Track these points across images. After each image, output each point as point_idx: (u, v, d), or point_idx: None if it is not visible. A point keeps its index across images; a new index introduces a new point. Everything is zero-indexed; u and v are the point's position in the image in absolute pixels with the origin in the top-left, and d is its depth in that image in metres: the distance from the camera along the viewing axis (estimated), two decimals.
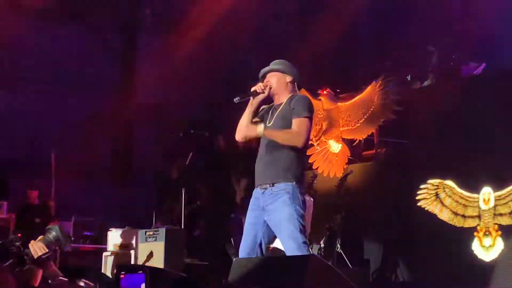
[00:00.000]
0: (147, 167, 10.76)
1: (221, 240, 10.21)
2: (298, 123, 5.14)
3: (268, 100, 5.41)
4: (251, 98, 5.31)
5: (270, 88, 5.28)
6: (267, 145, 5.22)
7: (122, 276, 2.74)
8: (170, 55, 13.12)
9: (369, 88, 9.35)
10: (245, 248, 5.10)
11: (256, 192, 5.20)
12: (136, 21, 13.91)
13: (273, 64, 5.37)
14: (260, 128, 5.26)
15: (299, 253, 4.82)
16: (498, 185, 7.59)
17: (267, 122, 5.29)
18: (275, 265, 4.20)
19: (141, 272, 2.71)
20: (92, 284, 3.36)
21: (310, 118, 5.19)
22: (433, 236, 8.13)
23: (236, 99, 5.29)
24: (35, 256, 3.71)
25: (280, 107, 5.28)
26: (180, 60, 12.93)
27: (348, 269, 8.39)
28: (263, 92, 5.28)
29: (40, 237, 3.81)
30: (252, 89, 5.29)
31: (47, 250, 3.75)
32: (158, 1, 13.94)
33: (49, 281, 3.62)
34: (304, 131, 5.13)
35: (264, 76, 5.37)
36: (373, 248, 9.07)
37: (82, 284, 3.37)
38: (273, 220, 5.05)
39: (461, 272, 7.71)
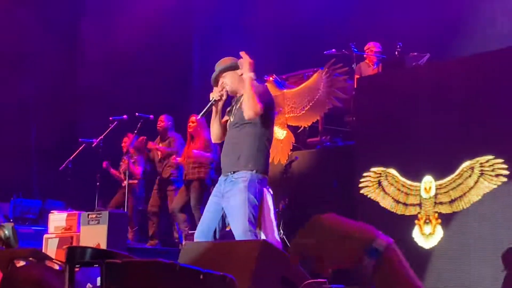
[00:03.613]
0: (90, 149, 10.63)
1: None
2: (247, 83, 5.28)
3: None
4: (213, 107, 5.40)
5: (227, 91, 5.37)
6: (233, 135, 5.32)
7: (77, 269, 2.75)
8: (115, 36, 12.98)
9: (315, 76, 9.42)
10: (201, 230, 5.22)
11: (220, 179, 5.30)
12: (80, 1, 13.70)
13: (218, 66, 5.44)
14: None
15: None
16: (439, 174, 7.73)
17: (231, 116, 5.38)
18: (225, 250, 4.22)
19: (96, 266, 2.72)
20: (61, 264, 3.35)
21: (265, 103, 5.25)
22: (375, 223, 8.19)
23: (199, 117, 5.45)
24: None
25: (241, 99, 5.36)
26: (125, 42, 12.80)
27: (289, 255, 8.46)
28: (221, 98, 5.38)
29: None
30: (211, 98, 5.38)
31: None
32: None
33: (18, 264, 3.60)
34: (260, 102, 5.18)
35: (217, 80, 5.45)
36: None
37: (57, 267, 3.35)
38: (228, 206, 5.15)
39: None
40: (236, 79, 5.39)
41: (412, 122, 8.04)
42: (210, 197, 5.39)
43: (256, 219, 5.16)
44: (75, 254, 3.16)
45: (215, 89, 5.40)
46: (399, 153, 8.15)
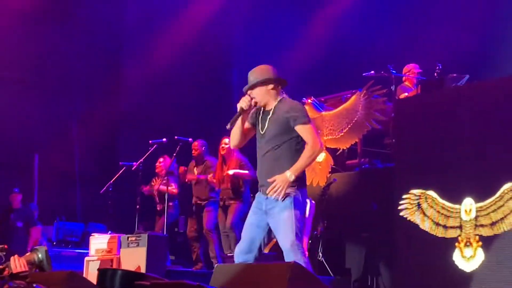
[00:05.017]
0: (131, 172, 10.73)
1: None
2: (307, 131, 5.38)
3: None
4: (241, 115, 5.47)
5: (256, 103, 5.43)
6: (268, 151, 5.39)
7: None
8: (155, 60, 13.12)
9: (353, 98, 9.39)
10: (243, 248, 5.33)
11: (259, 196, 5.39)
12: (122, 22, 13.87)
13: (251, 77, 5.48)
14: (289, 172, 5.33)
15: (291, 254, 5.14)
16: (479, 196, 7.63)
17: (260, 129, 5.44)
18: (256, 272, 4.22)
19: None
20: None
21: (311, 121, 5.46)
22: (414, 246, 8.17)
23: (228, 126, 5.48)
24: (14, 271, 3.71)
25: (271, 113, 5.43)
26: (164, 66, 12.93)
27: (329, 277, 8.42)
28: (250, 108, 5.44)
29: (26, 254, 3.83)
30: (238, 107, 5.45)
31: (26, 269, 3.76)
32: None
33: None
34: (315, 135, 5.39)
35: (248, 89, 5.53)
36: (354, 257, 9.10)
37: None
38: (274, 222, 5.33)
39: (442, 282, 7.74)
40: (265, 94, 5.46)
41: (452, 143, 7.97)
42: (250, 215, 5.50)
43: (302, 231, 5.34)
44: (105, 276, 3.19)
45: (243, 98, 5.47)
46: (439, 175, 8.07)
